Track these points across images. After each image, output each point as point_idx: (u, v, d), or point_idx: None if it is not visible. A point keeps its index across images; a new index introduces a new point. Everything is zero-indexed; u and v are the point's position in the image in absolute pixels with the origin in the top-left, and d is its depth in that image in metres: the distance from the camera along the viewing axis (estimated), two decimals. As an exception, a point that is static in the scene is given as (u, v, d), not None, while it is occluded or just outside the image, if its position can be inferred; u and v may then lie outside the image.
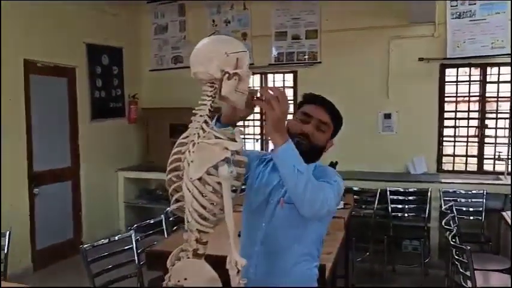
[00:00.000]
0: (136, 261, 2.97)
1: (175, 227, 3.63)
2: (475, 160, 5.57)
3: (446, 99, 5.59)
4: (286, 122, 1.52)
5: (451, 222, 3.67)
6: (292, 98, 6.16)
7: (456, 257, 3.09)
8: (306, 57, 6.05)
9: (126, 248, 2.96)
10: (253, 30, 6.24)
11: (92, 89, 5.82)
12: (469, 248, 2.88)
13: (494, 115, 5.48)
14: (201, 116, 1.37)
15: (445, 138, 5.64)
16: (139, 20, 6.75)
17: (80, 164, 5.66)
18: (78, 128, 5.61)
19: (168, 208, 1.83)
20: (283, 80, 6.32)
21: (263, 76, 6.40)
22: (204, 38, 1.40)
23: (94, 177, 5.85)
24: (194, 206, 1.29)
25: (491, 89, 5.45)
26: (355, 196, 4.77)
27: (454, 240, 3.26)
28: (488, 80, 5.45)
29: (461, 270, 3.02)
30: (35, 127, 5.00)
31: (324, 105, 1.71)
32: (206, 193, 1.30)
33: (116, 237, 2.87)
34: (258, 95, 1.45)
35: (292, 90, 6.20)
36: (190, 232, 1.34)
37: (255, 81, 6.41)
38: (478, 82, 5.49)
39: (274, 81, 6.38)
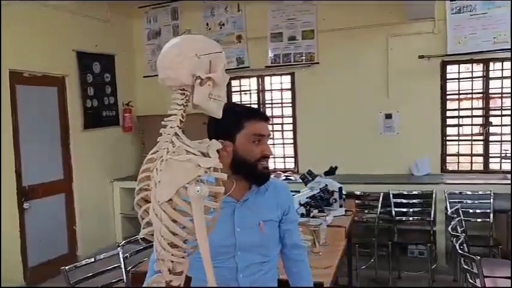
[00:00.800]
0: (125, 280, 2.79)
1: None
2: (480, 159, 5.39)
3: (448, 97, 5.43)
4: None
5: (457, 227, 3.49)
6: (290, 100, 6.02)
7: (465, 266, 2.91)
8: (303, 58, 5.88)
9: (114, 266, 2.78)
10: (248, 33, 6.09)
11: (83, 98, 5.64)
12: (478, 258, 2.70)
13: (498, 112, 5.30)
14: (171, 127, 1.20)
15: (448, 138, 5.47)
16: (131, 26, 6.59)
17: (73, 175, 5.47)
18: (69, 139, 5.42)
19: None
20: (281, 83, 6.15)
21: (260, 79, 6.24)
22: (173, 38, 1.23)
23: (88, 189, 5.66)
24: (163, 233, 1.11)
25: (494, 85, 5.28)
26: (356, 200, 4.59)
27: (461, 247, 3.07)
28: (491, 75, 5.28)
29: (470, 280, 2.84)
30: (23, 140, 4.81)
31: (267, 120, 1.76)
32: (176, 217, 1.12)
33: (101, 256, 2.69)
34: None
35: (290, 92, 6.04)
36: (161, 261, 1.16)
37: (251, 84, 6.26)
38: (481, 78, 5.32)
39: (271, 83, 6.21)
